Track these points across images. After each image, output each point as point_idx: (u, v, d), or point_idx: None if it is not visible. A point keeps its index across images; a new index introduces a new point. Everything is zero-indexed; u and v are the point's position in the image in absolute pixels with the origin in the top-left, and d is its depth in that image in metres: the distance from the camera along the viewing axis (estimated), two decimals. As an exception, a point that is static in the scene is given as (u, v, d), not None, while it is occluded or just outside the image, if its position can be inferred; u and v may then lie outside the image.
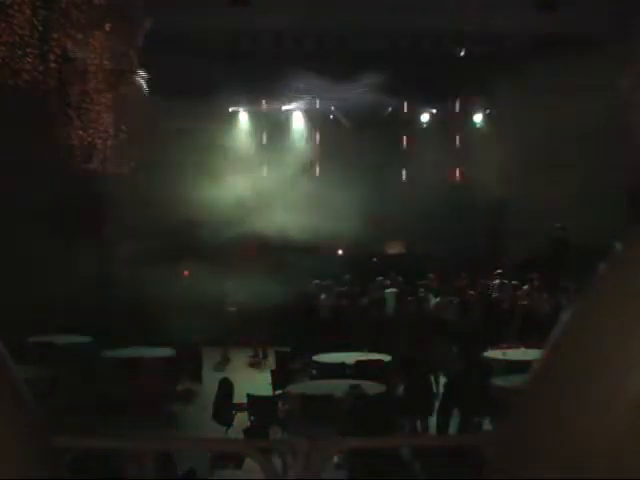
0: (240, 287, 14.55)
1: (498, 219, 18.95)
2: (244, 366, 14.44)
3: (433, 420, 9.36)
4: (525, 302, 13.93)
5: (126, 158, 14.12)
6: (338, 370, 10.88)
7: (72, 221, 14.44)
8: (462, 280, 15.94)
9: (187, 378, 12.44)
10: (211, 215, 17.21)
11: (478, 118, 20.23)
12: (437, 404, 9.58)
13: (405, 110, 20.28)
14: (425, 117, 20.53)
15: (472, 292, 14.88)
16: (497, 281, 15.80)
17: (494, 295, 14.96)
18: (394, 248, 19.57)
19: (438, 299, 14.55)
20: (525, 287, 14.89)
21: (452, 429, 8.99)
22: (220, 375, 11.40)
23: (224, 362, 14.59)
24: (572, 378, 0.63)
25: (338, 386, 9.40)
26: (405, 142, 20.45)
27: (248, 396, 9.52)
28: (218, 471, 7.30)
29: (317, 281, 15.78)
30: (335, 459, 7.40)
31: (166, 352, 12.27)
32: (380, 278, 16.15)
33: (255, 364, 14.68)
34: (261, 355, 14.97)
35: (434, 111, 20.38)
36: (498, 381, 9.65)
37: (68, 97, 13.15)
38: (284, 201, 18.39)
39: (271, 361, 13.16)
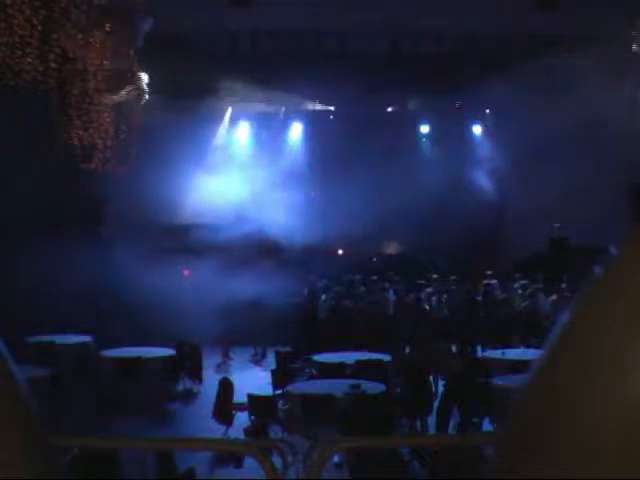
0: (242, 287, 14.53)
1: (498, 219, 18.95)
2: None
3: (433, 420, 9.36)
4: (527, 303, 13.95)
5: (126, 158, 14.12)
6: (338, 370, 10.87)
7: (72, 221, 14.43)
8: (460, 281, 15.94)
9: (187, 378, 12.44)
10: (212, 215, 17.22)
11: (478, 118, 20.22)
12: (437, 404, 9.57)
13: (405, 110, 20.27)
14: (425, 117, 20.51)
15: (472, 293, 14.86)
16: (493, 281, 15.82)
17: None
18: (394, 248, 19.57)
19: (434, 298, 14.58)
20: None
21: (452, 429, 8.99)
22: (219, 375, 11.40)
23: (225, 361, 14.59)
24: (572, 378, 0.63)
25: (338, 386, 9.40)
26: (405, 142, 20.43)
27: (248, 396, 9.52)
28: (218, 471, 7.30)
29: (322, 282, 15.77)
30: (335, 459, 7.40)
31: (166, 352, 12.27)
32: (374, 277, 16.17)
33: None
34: (260, 354, 14.95)
35: (434, 111, 20.37)
36: (498, 381, 9.65)
37: (68, 97, 13.15)
38: (284, 201, 18.39)
39: (269, 361, 13.14)
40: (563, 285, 14.40)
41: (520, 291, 14.79)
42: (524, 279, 15.60)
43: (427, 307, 14.26)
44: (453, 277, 16.26)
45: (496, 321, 13.65)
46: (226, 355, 14.79)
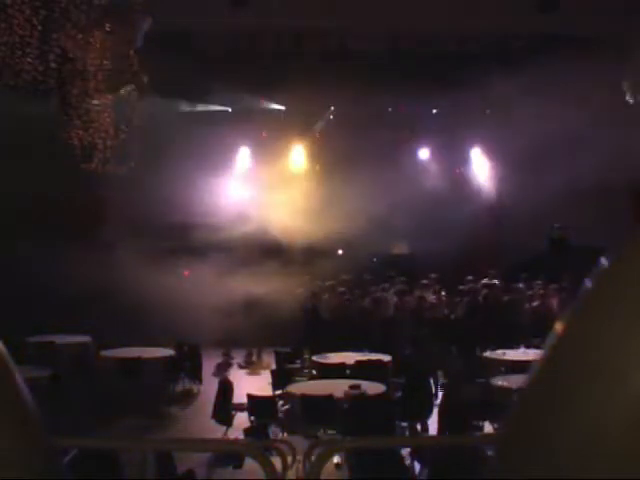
0: (243, 287, 14.52)
1: (498, 218, 18.95)
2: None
3: (433, 420, 9.35)
4: (536, 303, 13.95)
5: (126, 158, 14.12)
6: (338, 370, 10.87)
7: (72, 221, 14.44)
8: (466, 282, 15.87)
9: (187, 378, 12.44)
10: (213, 215, 17.21)
11: (477, 117, 20.20)
12: (437, 405, 9.57)
13: (405, 110, 20.27)
14: (425, 117, 20.50)
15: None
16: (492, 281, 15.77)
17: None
18: (395, 248, 19.56)
19: (434, 298, 14.58)
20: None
21: (452, 429, 8.98)
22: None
23: (225, 362, 14.58)
24: (572, 378, 0.63)
25: (338, 386, 9.40)
26: (405, 142, 20.42)
27: (248, 396, 9.52)
28: (218, 471, 7.30)
29: (323, 283, 15.76)
30: (335, 459, 7.40)
31: (166, 352, 12.27)
32: (375, 277, 16.17)
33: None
34: (255, 356, 14.95)
35: (434, 111, 20.37)
36: (498, 381, 9.65)
37: (68, 97, 13.15)
38: (285, 201, 18.39)
39: (268, 362, 13.13)
40: (563, 285, 14.40)
41: (532, 291, 14.76)
42: (529, 279, 15.57)
43: (427, 307, 14.26)
44: (454, 277, 16.24)
45: (507, 322, 13.65)
46: (226, 355, 14.79)
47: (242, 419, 9.42)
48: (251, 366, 14.51)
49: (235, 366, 14.47)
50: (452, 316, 14.25)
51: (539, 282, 15.06)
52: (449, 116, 20.24)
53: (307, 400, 9.11)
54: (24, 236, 13.39)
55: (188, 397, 12.11)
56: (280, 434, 9.21)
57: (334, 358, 11.51)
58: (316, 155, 20.26)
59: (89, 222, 15.33)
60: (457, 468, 5.65)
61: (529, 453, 0.66)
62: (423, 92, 18.25)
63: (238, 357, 14.91)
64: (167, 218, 16.84)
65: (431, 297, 14.74)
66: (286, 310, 14.51)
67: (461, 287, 15.32)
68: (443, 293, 15.12)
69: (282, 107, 20.00)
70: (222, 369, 13.89)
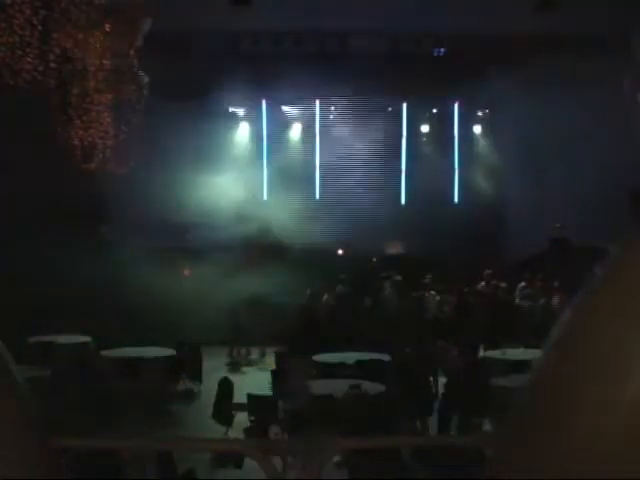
0: (243, 287, 14.51)
1: (498, 218, 18.94)
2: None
3: (433, 420, 9.35)
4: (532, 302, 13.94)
5: (126, 158, 14.12)
6: (338, 370, 10.87)
7: (72, 221, 14.43)
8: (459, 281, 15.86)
9: (187, 378, 12.43)
10: (212, 215, 17.22)
11: (477, 117, 20.20)
12: (437, 404, 9.57)
13: (405, 110, 20.27)
14: (425, 117, 20.49)
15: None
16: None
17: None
18: (394, 248, 19.55)
19: (437, 298, 14.57)
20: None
21: (452, 429, 8.98)
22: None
23: (226, 361, 14.56)
24: (572, 378, 0.63)
25: (338, 386, 9.40)
26: (405, 142, 20.42)
27: (248, 396, 9.52)
28: (218, 471, 7.30)
29: (322, 283, 15.77)
30: (335, 459, 7.40)
31: (166, 352, 12.26)
32: (375, 277, 16.17)
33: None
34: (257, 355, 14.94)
35: (434, 111, 20.37)
36: (498, 381, 9.65)
37: (68, 97, 13.14)
38: (285, 201, 18.39)
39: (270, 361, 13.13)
40: (563, 285, 14.38)
41: (532, 291, 14.73)
42: (530, 279, 15.55)
43: (427, 307, 14.26)
44: (454, 277, 16.23)
45: (506, 322, 13.65)
46: (229, 355, 14.77)
47: (242, 419, 9.42)
48: (253, 365, 14.50)
49: (239, 366, 14.45)
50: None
51: (555, 283, 14.93)
52: (449, 115, 20.23)
53: (307, 400, 9.11)
54: (24, 236, 13.37)
55: (188, 397, 12.11)
56: (280, 434, 9.21)
57: (334, 358, 11.50)
58: (316, 154, 20.25)
59: (89, 222, 15.33)
60: (457, 468, 5.65)
61: (529, 453, 0.66)
62: (423, 92, 18.26)
63: (239, 357, 14.90)
64: (167, 217, 16.84)
65: (433, 297, 14.73)
66: (286, 310, 14.50)
67: (453, 288, 15.27)
68: (446, 296, 15.07)
69: (282, 106, 20.00)
70: (222, 369, 13.88)
